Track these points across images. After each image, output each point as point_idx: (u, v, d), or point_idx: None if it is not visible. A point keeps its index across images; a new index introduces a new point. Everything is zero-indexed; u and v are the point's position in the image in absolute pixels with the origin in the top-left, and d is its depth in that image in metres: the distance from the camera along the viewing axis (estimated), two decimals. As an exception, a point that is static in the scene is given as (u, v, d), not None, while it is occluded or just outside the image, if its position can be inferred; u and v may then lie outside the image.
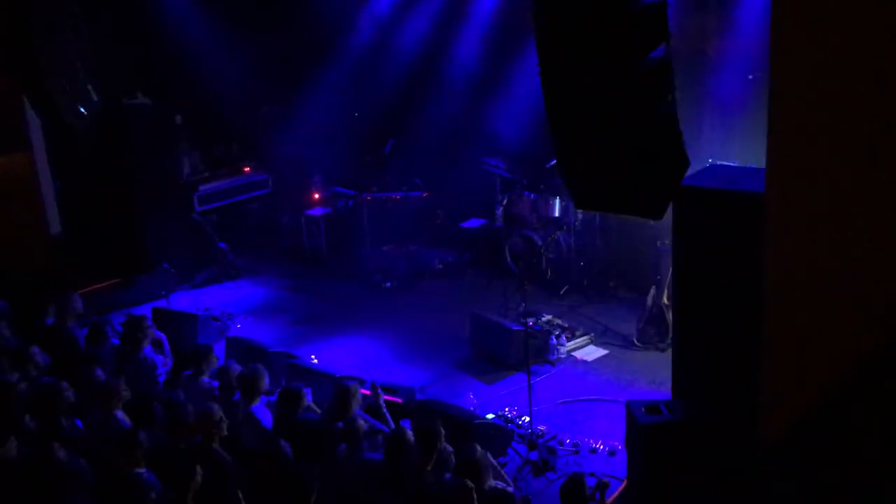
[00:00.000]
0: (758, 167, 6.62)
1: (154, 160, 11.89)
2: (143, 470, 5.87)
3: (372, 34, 13.26)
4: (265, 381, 7.07)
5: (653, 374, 8.70)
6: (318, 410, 7.12)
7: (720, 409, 6.44)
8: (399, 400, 7.83)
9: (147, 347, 8.23)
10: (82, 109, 11.13)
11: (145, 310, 10.35)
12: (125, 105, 11.70)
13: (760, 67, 8.99)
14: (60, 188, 11.44)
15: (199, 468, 5.55)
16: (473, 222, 12.31)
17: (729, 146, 9.33)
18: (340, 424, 6.49)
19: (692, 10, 9.75)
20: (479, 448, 5.99)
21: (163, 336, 8.57)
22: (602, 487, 5.96)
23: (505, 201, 11.81)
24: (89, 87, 11.19)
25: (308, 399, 7.19)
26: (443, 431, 6.20)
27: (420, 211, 12.88)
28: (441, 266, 12.33)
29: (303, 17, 13.16)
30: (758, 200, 5.66)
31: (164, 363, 8.31)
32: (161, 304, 10.87)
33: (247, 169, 13.48)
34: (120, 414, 6.76)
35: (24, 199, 11.10)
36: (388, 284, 11.91)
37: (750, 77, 9.62)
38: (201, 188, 12.74)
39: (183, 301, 11.51)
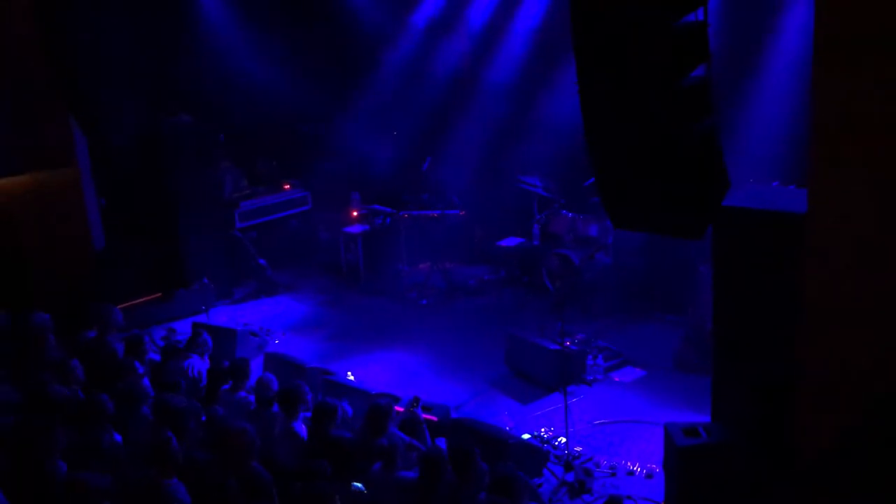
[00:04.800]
0: (799, 188, 6.56)
1: (196, 177, 12.06)
2: (173, 481, 5.91)
3: (411, 53, 13.37)
4: (307, 399, 7.10)
5: (691, 396, 8.55)
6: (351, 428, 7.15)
7: (759, 433, 6.34)
8: (434, 418, 7.82)
9: (194, 359, 8.33)
10: (127, 127, 11.39)
11: (185, 324, 10.48)
12: (168, 123, 11.90)
13: (802, 88, 8.90)
14: (105, 204, 11.61)
15: (233, 483, 5.58)
16: (510, 241, 12.30)
17: (770, 166, 9.22)
18: (378, 442, 6.49)
19: (734, 29, 9.67)
20: (514, 468, 5.95)
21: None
22: None
23: (542, 220, 11.79)
24: (134, 105, 11.44)
25: (348, 413, 7.22)
26: (478, 451, 6.18)
27: (457, 229, 12.89)
28: (477, 284, 12.33)
29: (343, 36, 13.31)
30: (798, 221, 5.60)
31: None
32: (201, 318, 10.99)
33: (287, 186, 13.63)
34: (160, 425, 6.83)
35: (70, 214, 11.28)
36: (424, 302, 11.93)
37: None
38: (242, 205, 12.92)
39: (222, 316, 11.62)
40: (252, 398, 7.51)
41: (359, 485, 6.20)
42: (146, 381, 8.05)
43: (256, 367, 8.70)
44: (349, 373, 9.36)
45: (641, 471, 7.58)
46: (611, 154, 5.77)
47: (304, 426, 7.10)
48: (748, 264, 6.32)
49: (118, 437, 6.83)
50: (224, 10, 12.75)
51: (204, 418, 7.12)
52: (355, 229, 12.87)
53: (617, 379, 9.36)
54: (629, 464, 7.69)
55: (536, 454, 7.65)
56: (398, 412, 7.22)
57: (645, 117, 5.43)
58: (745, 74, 10.18)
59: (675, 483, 6.60)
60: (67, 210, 11.31)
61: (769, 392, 6.30)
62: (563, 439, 7.92)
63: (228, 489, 5.54)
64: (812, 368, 5.58)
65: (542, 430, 8.31)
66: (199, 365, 8.38)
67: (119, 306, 9.58)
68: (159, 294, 11.89)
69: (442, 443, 7.33)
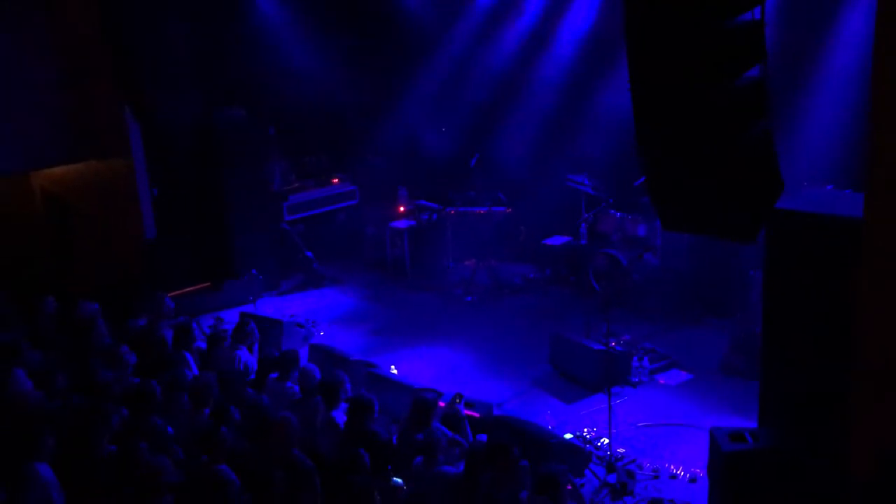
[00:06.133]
0: (855, 192, 6.43)
1: (246, 169, 12.20)
2: (223, 466, 6.00)
3: (461, 50, 13.37)
4: (346, 388, 7.15)
5: (738, 401, 8.45)
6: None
7: (808, 441, 6.23)
8: (476, 415, 7.82)
9: (242, 350, 8.43)
10: (180, 117, 11.56)
11: (233, 314, 10.62)
12: (221, 115, 12.05)
13: (861, 90, 8.71)
14: (157, 194, 11.80)
15: (280, 473, 5.64)
16: (556, 239, 12.24)
17: (825, 169, 9.05)
18: (418, 436, 6.52)
19: (790, 29, 9.50)
20: (558, 467, 5.93)
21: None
22: None
23: (590, 219, 11.71)
24: (188, 96, 11.61)
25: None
26: (518, 449, 6.16)
27: (503, 226, 12.88)
28: (522, 282, 12.30)
29: (394, 32, 13.36)
30: (855, 226, 5.48)
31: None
32: (248, 308, 11.12)
33: (335, 180, 13.75)
34: (207, 412, 6.95)
35: (124, 204, 11.50)
36: (469, 298, 11.93)
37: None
38: (291, 198, 13.06)
39: (269, 307, 11.76)
40: (297, 388, 7.59)
41: (399, 480, 6.23)
42: (194, 369, 8.19)
43: (301, 358, 8.76)
44: (392, 367, 9.41)
45: (685, 475, 7.50)
46: (662, 154, 5.70)
47: (344, 416, 7.15)
48: (801, 268, 6.21)
49: (165, 423, 6.95)
50: (277, 5, 12.87)
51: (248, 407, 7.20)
52: (402, 224, 12.93)
53: (662, 381, 9.27)
54: (672, 467, 7.61)
55: (579, 454, 7.61)
56: (440, 407, 7.23)
57: (698, 117, 5.35)
58: (801, 75, 9.99)
59: (719, 489, 6.51)
60: (120, 199, 11.53)
61: (819, 399, 6.19)
62: (606, 440, 7.87)
63: (273, 477, 5.60)
64: (866, 378, 5.47)
65: (585, 430, 8.26)
66: (245, 356, 8.48)
67: (169, 295, 9.74)
68: (208, 284, 12.06)
69: (483, 439, 7.32)
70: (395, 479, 6.30)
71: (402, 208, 13.29)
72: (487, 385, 9.29)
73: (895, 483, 5.31)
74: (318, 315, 11.64)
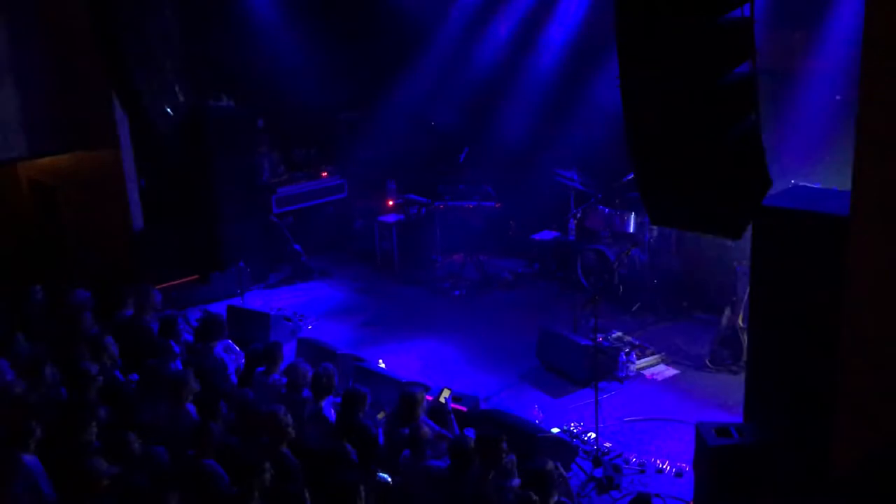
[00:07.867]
0: (842, 190, 6.47)
1: (235, 161, 12.12)
2: (210, 461, 5.99)
3: (450, 44, 13.34)
4: (334, 382, 7.16)
5: (724, 396, 8.52)
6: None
7: (793, 436, 6.28)
8: (463, 408, 7.83)
9: (219, 346, 8.39)
10: (168, 109, 11.47)
11: (220, 307, 10.59)
12: (209, 106, 11.98)
13: (849, 88, 8.75)
14: (144, 185, 11.74)
15: (267, 465, 5.64)
16: (545, 234, 12.27)
17: (812, 167, 9.10)
18: (404, 430, 6.52)
19: (779, 26, 9.53)
20: (550, 462, 5.94)
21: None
22: None
23: (578, 214, 11.73)
24: (176, 87, 11.52)
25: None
26: (506, 442, 6.17)
27: (492, 221, 12.88)
28: (511, 277, 12.31)
29: (383, 26, 13.33)
30: (841, 224, 5.52)
31: (234, 360, 8.48)
32: (236, 301, 11.09)
33: (324, 173, 13.71)
34: (190, 407, 6.92)
35: (112, 195, 11.43)
36: (457, 293, 11.94)
37: (838, 97, 9.40)
38: (280, 190, 13.02)
39: (257, 300, 11.73)
40: (284, 381, 7.58)
41: (385, 475, 6.23)
42: (179, 363, 8.16)
43: (289, 351, 8.76)
44: (380, 360, 9.40)
45: (671, 469, 7.54)
46: (651, 150, 5.71)
47: (332, 410, 7.15)
48: (787, 265, 6.25)
49: (150, 416, 6.94)
50: (267, -4, 12.84)
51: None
52: (390, 218, 12.91)
53: (649, 376, 9.30)
54: (659, 462, 7.64)
55: (565, 448, 7.62)
56: (427, 401, 7.23)
57: (687, 114, 5.37)
58: (790, 72, 10.03)
59: (704, 483, 6.56)
60: (108, 190, 11.47)
61: (804, 395, 6.24)
62: (593, 435, 7.90)
63: (262, 471, 5.59)
64: (853, 375, 5.51)
65: (572, 424, 8.28)
66: (225, 350, 8.45)
67: (156, 287, 9.69)
68: (196, 276, 12.01)
69: (470, 433, 7.33)
70: (381, 473, 6.30)
71: (390, 202, 13.27)
72: (475, 379, 9.30)
73: (877, 478, 5.36)
74: (306, 308, 11.62)
